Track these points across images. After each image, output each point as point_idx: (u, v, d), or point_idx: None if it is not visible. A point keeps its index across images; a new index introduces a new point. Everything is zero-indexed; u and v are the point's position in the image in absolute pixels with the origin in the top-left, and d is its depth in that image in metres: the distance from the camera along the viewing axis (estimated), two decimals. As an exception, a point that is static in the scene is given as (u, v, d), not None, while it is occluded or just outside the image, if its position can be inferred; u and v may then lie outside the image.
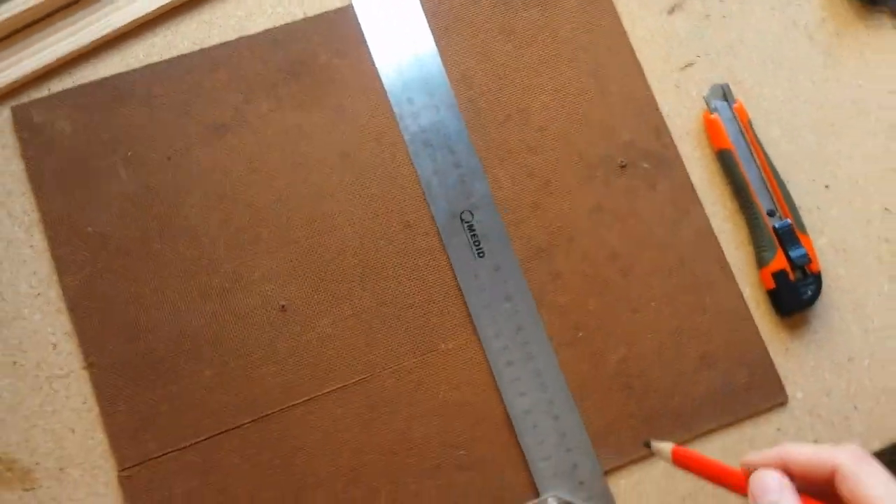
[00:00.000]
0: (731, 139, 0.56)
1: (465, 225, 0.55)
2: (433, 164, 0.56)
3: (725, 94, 0.57)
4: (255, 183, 0.55)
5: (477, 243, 0.55)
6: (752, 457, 0.40)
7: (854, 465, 0.38)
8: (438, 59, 0.58)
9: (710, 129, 0.57)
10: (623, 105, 0.58)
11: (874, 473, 0.37)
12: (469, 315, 0.54)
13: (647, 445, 0.47)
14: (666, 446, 0.44)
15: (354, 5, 0.58)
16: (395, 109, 0.57)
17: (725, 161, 0.56)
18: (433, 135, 0.56)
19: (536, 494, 0.52)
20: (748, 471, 0.39)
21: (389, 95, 0.57)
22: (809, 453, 0.39)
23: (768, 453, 0.40)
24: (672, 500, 0.53)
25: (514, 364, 0.54)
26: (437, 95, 0.57)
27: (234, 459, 0.52)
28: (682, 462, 0.43)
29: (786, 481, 0.39)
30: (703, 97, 0.57)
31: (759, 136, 0.57)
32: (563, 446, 0.53)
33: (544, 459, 0.53)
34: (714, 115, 0.57)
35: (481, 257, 0.55)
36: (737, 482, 0.40)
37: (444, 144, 0.56)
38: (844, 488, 0.38)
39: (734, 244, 0.56)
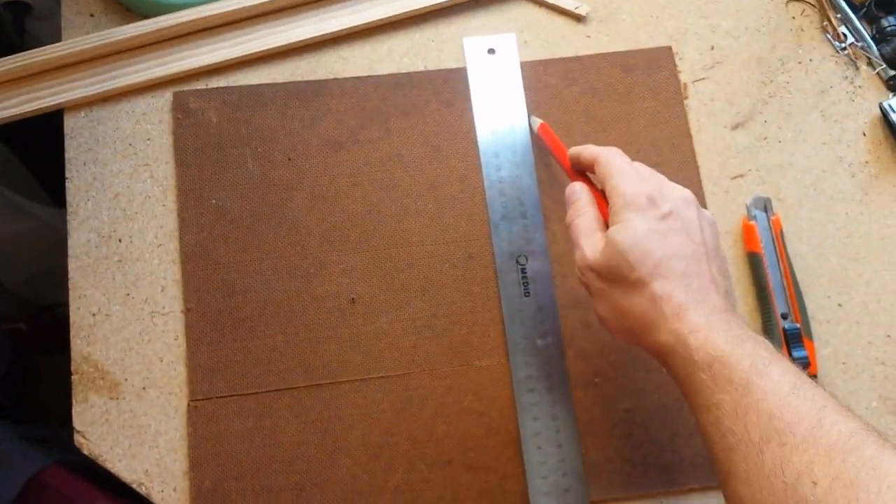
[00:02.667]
0: (762, 245, 0.64)
1: (519, 267, 0.65)
2: (503, 210, 0.66)
3: (766, 206, 0.66)
4: (354, 194, 0.66)
5: (525, 284, 0.64)
6: (572, 149, 0.58)
7: (608, 153, 0.55)
8: (527, 126, 0.68)
9: (746, 233, 0.65)
10: (675, 196, 0.67)
11: (619, 156, 0.55)
12: (506, 342, 0.63)
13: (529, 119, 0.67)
14: (537, 121, 0.64)
15: (468, 68, 0.69)
16: (482, 159, 0.67)
17: (753, 263, 0.65)
18: (509, 186, 0.66)
19: (528, 505, 0.60)
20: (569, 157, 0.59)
21: (479, 146, 0.67)
22: (591, 149, 0.56)
23: (577, 148, 0.58)
24: (644, 541, 0.60)
25: (534, 392, 0.62)
26: (519, 155, 0.67)
27: (286, 414, 0.61)
28: (543, 133, 0.63)
29: (586, 188, 0.56)
30: (746, 204, 0.66)
31: (788, 248, 0.65)
32: (560, 470, 0.61)
33: (542, 478, 0.61)
34: (752, 222, 0.65)
35: (527, 296, 0.64)
36: (567, 166, 0.59)
37: (515, 196, 0.66)
38: (598, 170, 0.55)
39: (747, 335, 0.64)
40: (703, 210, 0.53)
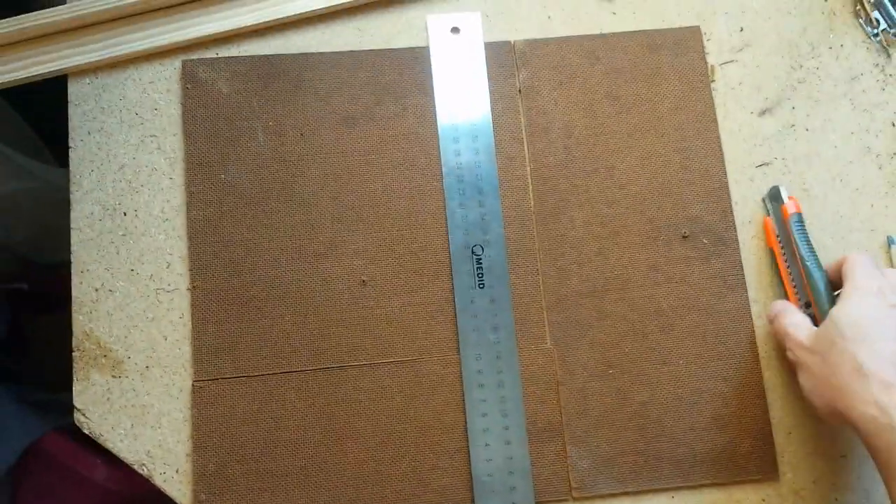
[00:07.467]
0: (778, 240, 0.62)
1: (475, 258, 0.63)
2: (460, 197, 0.64)
3: (777, 195, 0.63)
4: (367, 172, 0.64)
5: (480, 275, 0.62)
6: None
7: (855, 255, 0.58)
8: (488, 109, 0.66)
9: (766, 230, 0.63)
10: (699, 184, 0.65)
11: (865, 256, 0.58)
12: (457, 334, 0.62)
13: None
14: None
15: (430, 50, 0.67)
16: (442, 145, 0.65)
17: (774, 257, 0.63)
18: (467, 172, 0.64)
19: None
20: None
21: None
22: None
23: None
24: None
25: (484, 387, 0.61)
26: (480, 140, 0.65)
27: (292, 397, 0.60)
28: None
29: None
30: (763, 199, 0.64)
31: (813, 242, 0.62)
32: (507, 469, 0.60)
33: (489, 475, 0.59)
34: (769, 217, 0.63)
35: (481, 288, 0.62)
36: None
37: (474, 184, 0.64)
38: (844, 267, 0.58)
39: (767, 329, 0.63)
40: None
